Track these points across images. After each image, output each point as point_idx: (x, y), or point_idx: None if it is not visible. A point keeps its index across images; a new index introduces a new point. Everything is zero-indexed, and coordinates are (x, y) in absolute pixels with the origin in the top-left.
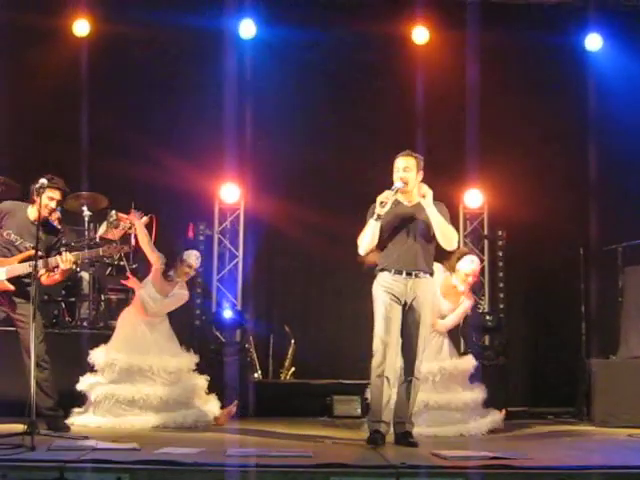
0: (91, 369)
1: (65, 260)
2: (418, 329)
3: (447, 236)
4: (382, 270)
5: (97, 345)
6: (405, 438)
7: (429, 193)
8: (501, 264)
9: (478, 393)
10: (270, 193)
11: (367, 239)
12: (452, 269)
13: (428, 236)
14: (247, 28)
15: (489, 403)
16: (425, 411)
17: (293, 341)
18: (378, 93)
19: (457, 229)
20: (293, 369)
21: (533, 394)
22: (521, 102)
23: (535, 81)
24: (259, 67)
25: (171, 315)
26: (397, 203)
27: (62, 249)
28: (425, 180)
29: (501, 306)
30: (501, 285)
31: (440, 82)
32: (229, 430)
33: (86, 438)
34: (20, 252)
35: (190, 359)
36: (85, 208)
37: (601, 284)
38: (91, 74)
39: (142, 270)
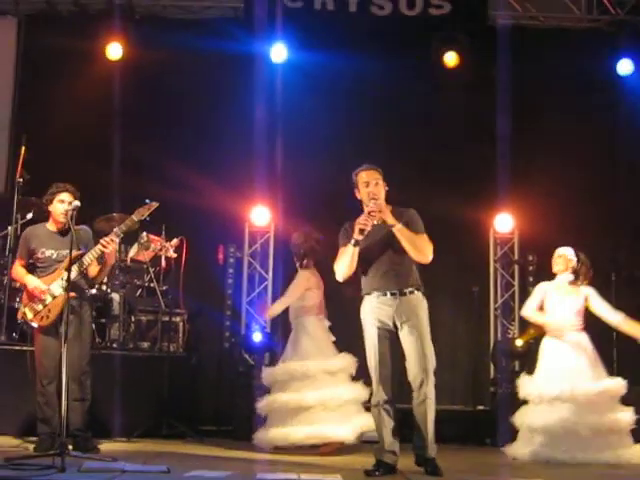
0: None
1: (107, 243)
2: (416, 347)
3: (418, 248)
4: (368, 294)
5: (128, 367)
6: (428, 466)
7: (386, 212)
8: (531, 289)
9: (630, 416)
10: (301, 216)
11: (345, 266)
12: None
13: (405, 250)
14: (279, 52)
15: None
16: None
17: None
18: (408, 117)
19: (487, 254)
20: None
21: None
22: (552, 126)
23: (566, 105)
24: (290, 91)
25: (200, 339)
26: None
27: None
28: (456, 205)
29: (531, 331)
30: None
31: (470, 106)
32: (259, 452)
33: (115, 460)
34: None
35: (349, 361)
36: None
37: (633, 309)
38: (124, 97)
39: (172, 292)
